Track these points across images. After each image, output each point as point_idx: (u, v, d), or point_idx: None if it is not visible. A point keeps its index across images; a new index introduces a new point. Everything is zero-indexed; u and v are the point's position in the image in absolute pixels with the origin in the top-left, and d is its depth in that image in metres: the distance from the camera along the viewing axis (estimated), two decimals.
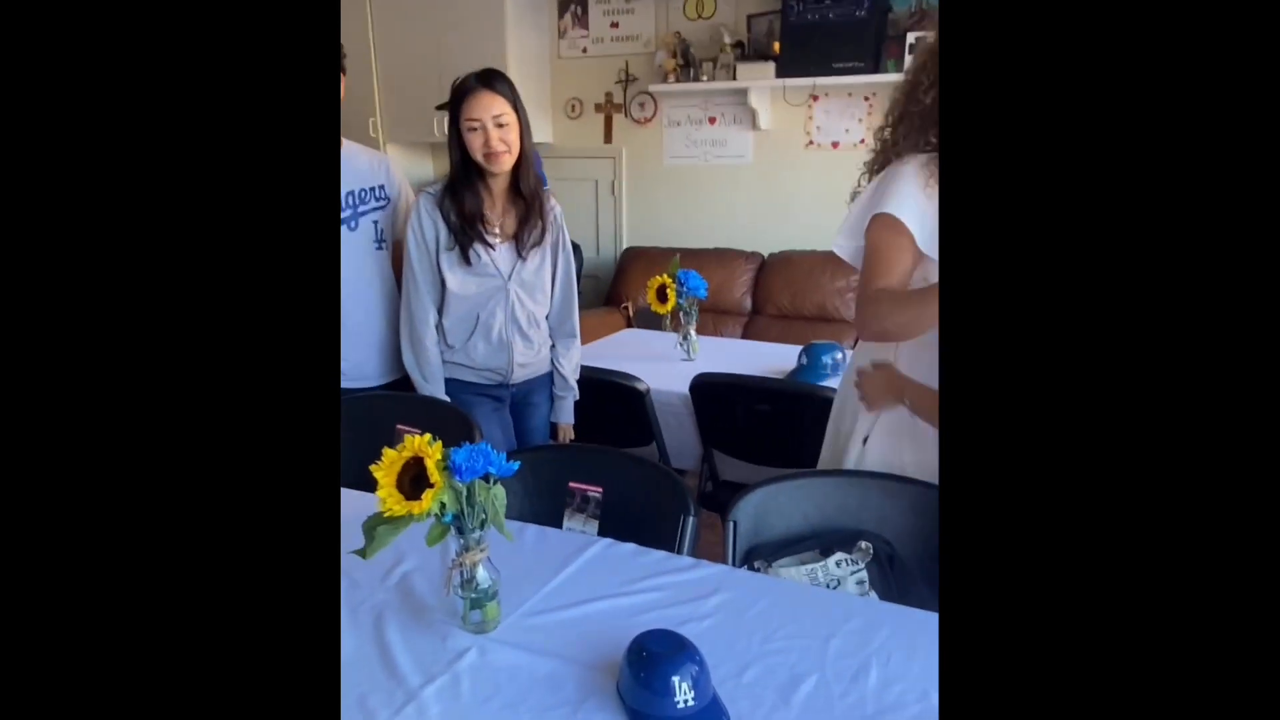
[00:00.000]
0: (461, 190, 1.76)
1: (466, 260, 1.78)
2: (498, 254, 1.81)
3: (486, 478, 1.05)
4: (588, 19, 4.29)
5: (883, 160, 1.34)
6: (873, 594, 1.22)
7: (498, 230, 1.81)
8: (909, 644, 1.05)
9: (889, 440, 1.36)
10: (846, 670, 1.00)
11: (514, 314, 1.85)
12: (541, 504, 1.47)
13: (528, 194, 1.81)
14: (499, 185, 1.80)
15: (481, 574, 1.08)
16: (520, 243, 1.82)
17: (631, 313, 3.93)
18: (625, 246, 4.40)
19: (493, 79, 1.72)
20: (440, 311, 1.85)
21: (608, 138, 4.36)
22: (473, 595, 1.08)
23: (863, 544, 1.26)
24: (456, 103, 1.70)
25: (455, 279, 1.80)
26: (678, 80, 3.97)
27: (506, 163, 1.74)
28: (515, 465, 1.06)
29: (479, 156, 1.72)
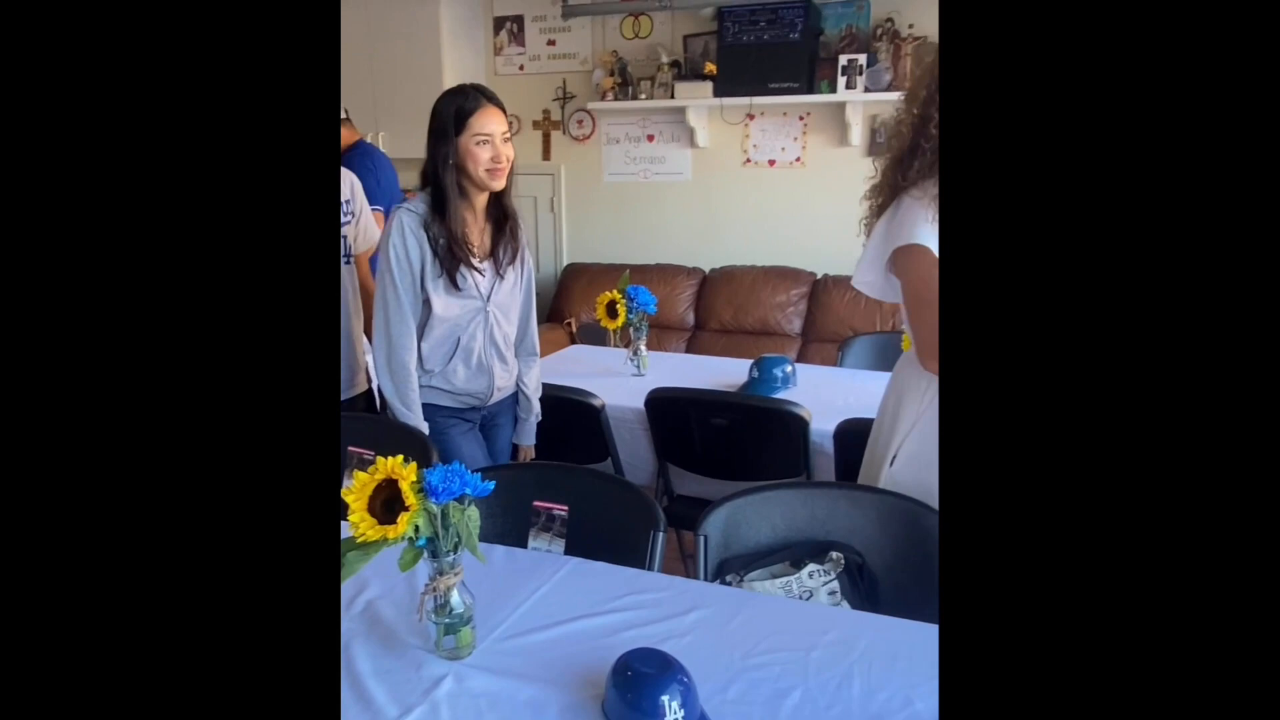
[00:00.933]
0: (450, 211, 1.70)
1: (454, 284, 1.72)
2: (480, 275, 1.77)
3: (461, 499, 1.02)
4: (524, 36, 4.28)
5: (889, 193, 1.32)
6: (845, 604, 1.23)
7: (477, 250, 1.77)
8: (888, 652, 1.05)
9: (915, 463, 1.33)
10: (830, 682, 1.00)
11: (492, 336, 1.81)
12: (504, 524, 1.44)
13: (510, 211, 1.79)
14: (480, 203, 1.76)
15: (456, 598, 1.05)
16: (497, 262, 1.78)
17: (575, 329, 3.91)
18: (566, 263, 4.38)
19: (493, 95, 1.70)
20: (420, 334, 1.77)
21: (546, 155, 4.34)
22: (447, 620, 1.04)
23: (833, 554, 1.27)
24: (460, 119, 1.66)
25: (440, 301, 1.73)
26: (616, 98, 3.99)
27: (504, 179, 1.71)
28: (490, 485, 1.03)
29: (482, 172, 1.68)
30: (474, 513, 1.03)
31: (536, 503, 1.42)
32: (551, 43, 4.23)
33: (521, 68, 4.30)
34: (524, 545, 1.40)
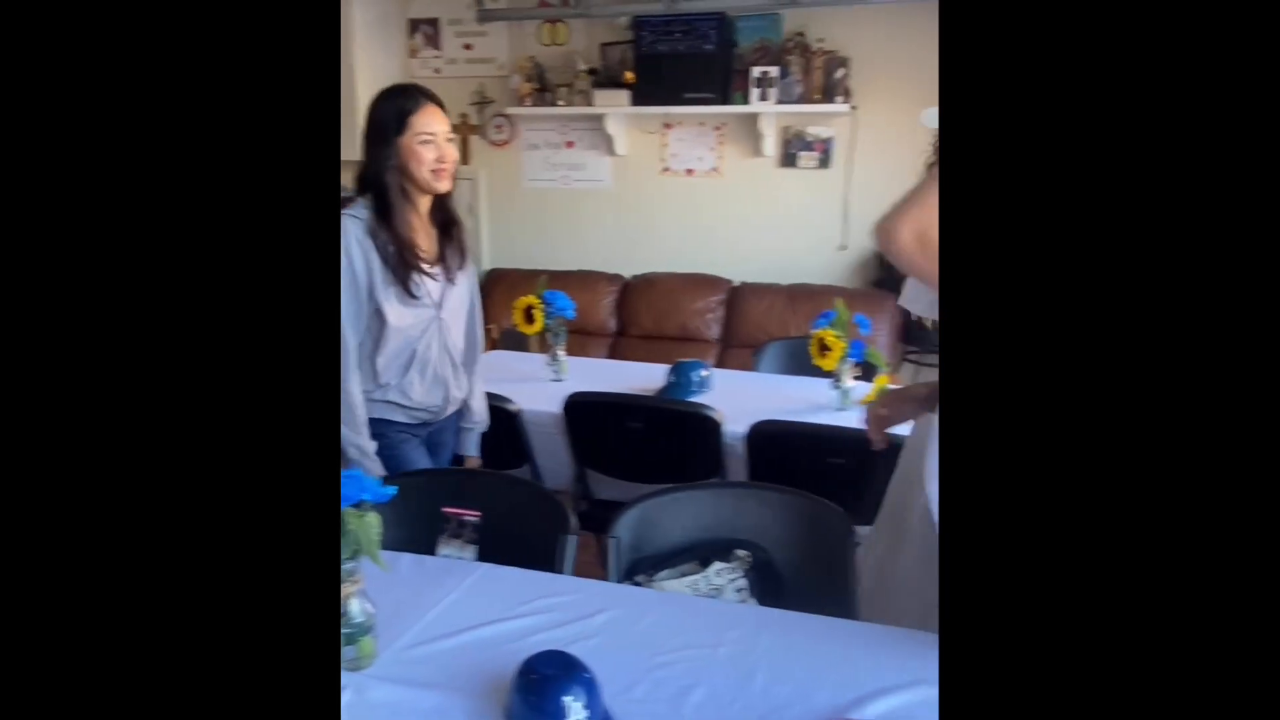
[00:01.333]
0: (395, 216, 1.63)
1: (409, 292, 1.65)
2: (433, 282, 1.71)
3: (359, 505, 1.00)
4: (440, 39, 4.22)
5: None
6: (752, 600, 1.26)
7: (426, 256, 1.70)
8: (789, 646, 1.08)
9: None
10: (734, 677, 1.02)
11: (445, 344, 1.75)
12: (415, 531, 1.41)
13: (455, 216, 1.74)
14: (424, 207, 1.70)
15: (355, 607, 1.02)
16: (447, 267, 1.73)
17: (496, 335, 3.87)
18: (487, 268, 4.34)
19: (433, 94, 1.65)
20: (374, 347, 1.68)
21: (465, 159, 4.29)
22: (346, 630, 1.02)
23: (740, 552, 1.29)
24: (401, 119, 1.60)
25: (394, 311, 1.65)
26: (534, 104, 3.98)
27: (449, 180, 1.66)
28: (391, 491, 1.01)
29: (426, 173, 1.61)
30: (374, 519, 1.01)
31: (445, 509, 1.40)
32: (468, 46, 4.19)
33: (438, 71, 4.24)
34: (434, 553, 1.38)
